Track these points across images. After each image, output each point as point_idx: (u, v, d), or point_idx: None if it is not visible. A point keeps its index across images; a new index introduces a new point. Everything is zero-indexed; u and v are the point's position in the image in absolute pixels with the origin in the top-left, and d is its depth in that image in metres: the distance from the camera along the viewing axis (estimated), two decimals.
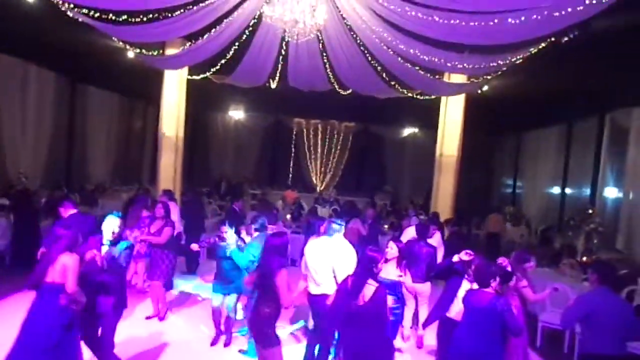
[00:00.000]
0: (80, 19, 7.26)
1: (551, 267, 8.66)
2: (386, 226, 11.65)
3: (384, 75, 9.73)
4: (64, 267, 4.11)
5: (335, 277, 4.98)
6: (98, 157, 16.73)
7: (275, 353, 4.43)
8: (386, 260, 5.26)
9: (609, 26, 6.85)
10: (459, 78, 10.18)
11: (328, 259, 5.11)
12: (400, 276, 5.77)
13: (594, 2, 5.40)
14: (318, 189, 20.93)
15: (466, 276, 4.92)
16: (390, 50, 8.41)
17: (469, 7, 6.61)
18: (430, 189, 12.13)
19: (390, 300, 4.78)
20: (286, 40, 8.14)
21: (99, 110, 16.50)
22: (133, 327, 6.21)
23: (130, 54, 10.39)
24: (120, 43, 9.35)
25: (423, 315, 6.31)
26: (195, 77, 11.28)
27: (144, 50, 9.85)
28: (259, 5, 7.46)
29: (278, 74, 10.44)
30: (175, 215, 8.38)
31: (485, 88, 11.00)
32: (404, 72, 9.37)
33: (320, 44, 8.77)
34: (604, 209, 12.31)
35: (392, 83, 10.22)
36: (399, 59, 8.65)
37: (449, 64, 8.44)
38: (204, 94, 13.29)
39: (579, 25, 6.40)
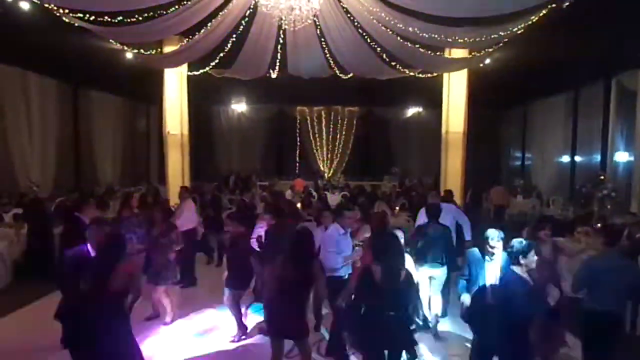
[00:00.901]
0: (76, 24, 7.27)
1: (565, 236, 8.58)
2: (397, 208, 11.62)
3: (383, 56, 9.64)
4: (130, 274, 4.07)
5: None
6: (106, 161, 16.84)
7: None
8: None
9: None
10: (460, 53, 10.06)
11: None
12: None
13: None
14: (326, 175, 20.92)
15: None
16: (389, 30, 8.32)
17: None
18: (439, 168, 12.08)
19: None
20: (283, 28, 8.08)
21: (103, 114, 16.57)
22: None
23: (129, 55, 10.40)
24: (118, 45, 9.35)
25: (436, 302, 6.11)
26: (195, 72, 11.26)
27: (142, 50, 9.85)
28: None
29: (278, 64, 10.39)
30: (190, 211, 8.44)
31: (488, 61, 10.88)
32: (404, 51, 9.27)
33: (318, 30, 8.69)
34: (616, 174, 12.21)
35: (393, 63, 10.13)
36: (398, 38, 8.56)
37: (449, 40, 8.34)
38: (205, 89, 13.28)
39: None
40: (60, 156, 14.11)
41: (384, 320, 3.95)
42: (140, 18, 7.57)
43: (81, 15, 7.13)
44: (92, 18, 7.27)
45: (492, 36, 7.97)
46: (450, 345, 5.86)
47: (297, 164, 21.55)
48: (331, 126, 21.52)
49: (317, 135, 21.59)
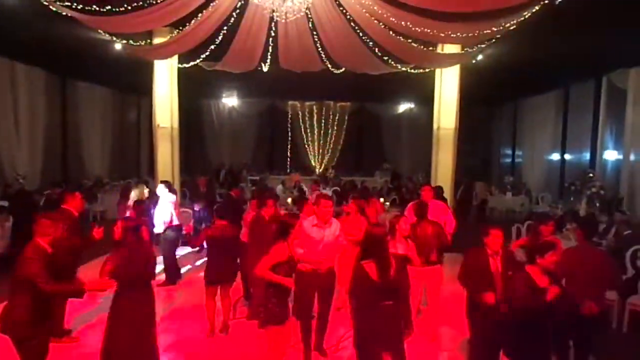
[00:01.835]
0: (64, 13, 7.13)
1: (555, 233, 8.60)
2: (388, 203, 11.61)
3: (376, 50, 9.59)
4: None
5: None
6: (94, 153, 16.65)
7: None
8: None
9: None
10: (452, 48, 10.03)
11: None
12: None
13: None
14: (317, 170, 20.88)
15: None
16: (381, 23, 8.26)
17: None
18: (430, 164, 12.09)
19: None
20: (275, 20, 7.99)
21: (92, 106, 16.37)
22: None
23: (119, 46, 10.25)
24: (107, 35, 9.20)
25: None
26: (185, 65, 11.12)
27: (131, 41, 9.70)
28: None
29: (269, 57, 10.29)
30: (172, 205, 8.30)
31: (480, 57, 10.87)
32: (396, 46, 9.23)
33: (310, 22, 8.61)
34: (605, 172, 12.31)
35: (385, 58, 10.08)
36: (391, 32, 8.51)
37: (441, 34, 8.31)
38: (196, 82, 13.13)
39: None
40: (48, 147, 13.94)
41: (381, 310, 3.96)
42: (130, 7, 7.45)
43: (69, 3, 7.00)
44: (79, 7, 7.14)
45: (485, 31, 7.95)
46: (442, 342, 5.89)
47: (289, 159, 21.49)
48: (323, 121, 21.47)
49: (308, 130, 21.53)
